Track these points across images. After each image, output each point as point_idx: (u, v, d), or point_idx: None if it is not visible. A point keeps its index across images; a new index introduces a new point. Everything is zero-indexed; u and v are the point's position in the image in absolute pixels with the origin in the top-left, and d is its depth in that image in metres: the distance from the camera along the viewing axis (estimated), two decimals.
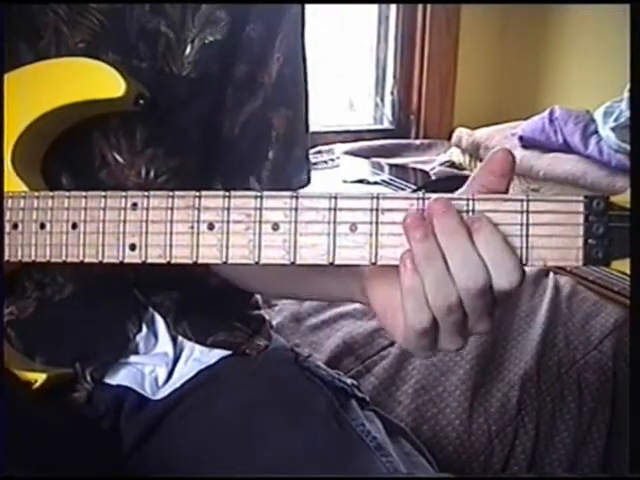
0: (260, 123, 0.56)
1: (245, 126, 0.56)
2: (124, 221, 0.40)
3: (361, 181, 1.69)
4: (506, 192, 0.36)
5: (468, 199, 0.35)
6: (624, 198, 0.34)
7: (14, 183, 0.45)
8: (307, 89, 0.58)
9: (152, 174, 0.52)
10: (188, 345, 0.57)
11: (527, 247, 0.35)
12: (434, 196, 0.35)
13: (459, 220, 0.34)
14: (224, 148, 0.56)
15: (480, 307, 0.35)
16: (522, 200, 0.35)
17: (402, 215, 0.36)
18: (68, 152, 0.49)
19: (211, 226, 0.38)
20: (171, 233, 0.39)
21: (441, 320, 0.36)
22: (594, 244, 0.34)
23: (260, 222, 0.38)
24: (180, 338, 0.57)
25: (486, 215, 0.35)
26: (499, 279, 0.34)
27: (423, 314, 0.35)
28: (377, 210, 0.36)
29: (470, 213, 0.35)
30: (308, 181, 0.60)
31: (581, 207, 0.34)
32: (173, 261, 0.39)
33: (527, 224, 0.35)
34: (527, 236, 0.35)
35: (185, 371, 0.57)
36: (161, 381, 0.56)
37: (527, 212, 0.35)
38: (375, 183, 1.68)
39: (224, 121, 0.55)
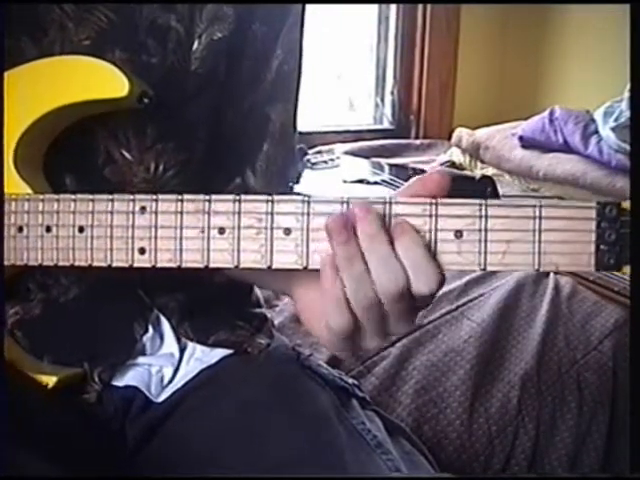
0: (259, 116, 0.57)
1: (245, 119, 0.57)
2: (133, 225, 0.40)
3: (361, 181, 1.68)
4: None
5: (480, 204, 0.35)
6: None
7: (16, 184, 0.45)
8: (299, 85, 0.60)
9: (161, 169, 0.52)
10: (190, 344, 0.57)
11: (539, 253, 0.35)
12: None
13: (380, 225, 0.36)
14: (226, 140, 0.57)
15: (400, 309, 0.37)
16: (534, 206, 0.35)
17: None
18: (71, 151, 0.48)
19: (222, 231, 0.38)
20: (181, 238, 0.39)
21: (362, 319, 0.37)
22: (606, 250, 0.34)
23: (272, 228, 0.38)
24: (183, 338, 0.57)
25: (407, 221, 0.36)
26: (418, 284, 0.36)
27: (344, 316, 0.37)
28: (390, 216, 0.36)
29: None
30: (299, 174, 0.61)
31: (593, 213, 0.35)
32: (184, 265, 0.39)
33: (539, 230, 0.35)
34: (539, 242, 0.35)
35: (187, 371, 0.57)
36: (166, 382, 0.56)
37: (540, 218, 0.35)
38: (375, 183, 1.68)
39: (227, 114, 0.56)
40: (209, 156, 0.56)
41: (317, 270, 0.37)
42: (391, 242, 0.36)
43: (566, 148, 1.73)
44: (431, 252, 0.36)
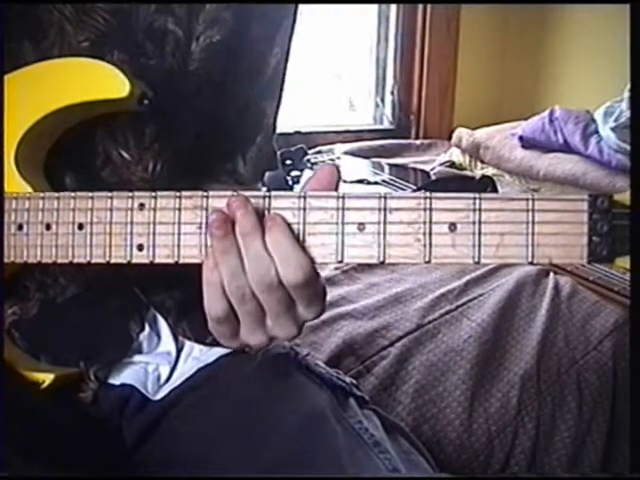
0: (256, 110, 0.59)
1: (242, 113, 0.58)
2: (131, 222, 0.40)
3: (361, 181, 1.69)
4: None
5: (474, 197, 0.36)
6: (627, 197, 0.35)
7: (17, 184, 0.45)
8: (284, 83, 0.63)
9: (158, 168, 0.53)
10: (187, 343, 0.57)
11: (533, 245, 0.36)
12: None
13: (255, 221, 0.38)
14: (222, 131, 0.58)
15: (275, 303, 0.39)
16: (527, 199, 0.36)
17: (409, 214, 0.37)
18: (71, 152, 0.49)
19: None
20: (179, 234, 0.40)
21: (238, 309, 0.40)
22: (598, 242, 0.35)
23: None
24: (181, 337, 0.57)
25: (280, 215, 0.38)
26: (286, 274, 0.38)
27: (219, 304, 0.39)
28: (385, 209, 0.37)
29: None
30: (277, 164, 0.65)
31: (585, 206, 0.35)
32: (181, 261, 0.40)
33: (533, 222, 0.36)
34: (533, 234, 0.36)
35: (184, 369, 0.57)
36: (163, 380, 0.56)
37: (533, 211, 0.36)
38: (375, 183, 1.68)
39: (224, 109, 0.57)
40: (206, 147, 0.56)
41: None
42: (263, 237, 0.38)
43: (566, 148, 1.74)
44: (300, 243, 0.38)
